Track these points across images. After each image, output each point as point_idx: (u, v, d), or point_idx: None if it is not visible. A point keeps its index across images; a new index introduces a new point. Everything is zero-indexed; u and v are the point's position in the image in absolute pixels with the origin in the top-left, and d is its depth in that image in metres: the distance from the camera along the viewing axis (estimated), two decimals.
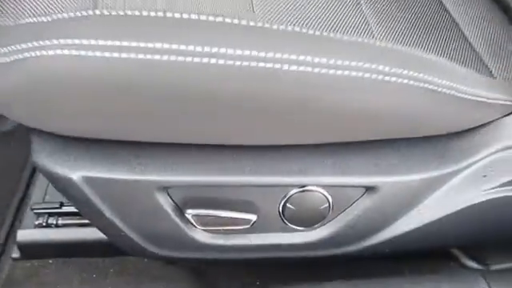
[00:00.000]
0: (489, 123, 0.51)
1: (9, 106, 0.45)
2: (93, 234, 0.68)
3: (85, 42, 0.37)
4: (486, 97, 0.48)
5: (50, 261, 0.72)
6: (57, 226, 0.71)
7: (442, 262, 0.71)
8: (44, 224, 0.71)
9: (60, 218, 0.72)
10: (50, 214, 0.73)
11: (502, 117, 0.51)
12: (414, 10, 0.55)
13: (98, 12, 0.39)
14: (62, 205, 0.73)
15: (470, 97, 0.46)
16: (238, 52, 0.37)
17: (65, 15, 0.39)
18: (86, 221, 0.69)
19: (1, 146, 0.93)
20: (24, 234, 0.70)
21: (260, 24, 0.40)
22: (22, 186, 0.84)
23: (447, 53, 0.51)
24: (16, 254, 0.71)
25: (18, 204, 0.81)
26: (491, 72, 0.52)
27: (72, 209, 0.71)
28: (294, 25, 0.44)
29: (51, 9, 0.44)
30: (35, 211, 0.73)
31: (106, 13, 0.39)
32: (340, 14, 0.49)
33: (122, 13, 0.39)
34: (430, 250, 0.63)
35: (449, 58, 0.51)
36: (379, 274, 0.60)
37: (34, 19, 0.40)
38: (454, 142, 0.51)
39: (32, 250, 0.71)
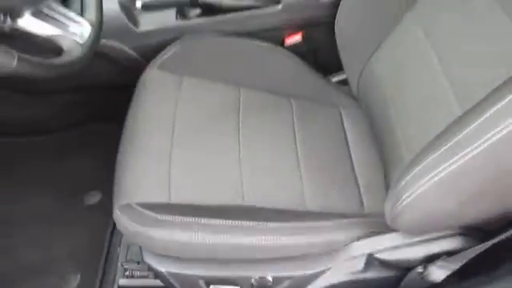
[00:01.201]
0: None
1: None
2: (155, 282, 1.30)
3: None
4: (338, 240, 1.07)
5: None
6: (138, 276, 1.34)
7: None
8: (130, 275, 1.35)
9: (138, 271, 1.36)
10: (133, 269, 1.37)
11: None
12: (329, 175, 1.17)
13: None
14: (138, 263, 1.35)
15: (326, 240, 1.08)
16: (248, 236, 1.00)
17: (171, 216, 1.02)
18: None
19: (88, 216, 1.51)
20: (121, 281, 1.33)
21: (250, 224, 1.02)
22: (106, 247, 1.45)
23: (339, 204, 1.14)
24: None
25: (105, 258, 1.42)
26: (364, 209, 1.12)
27: (145, 266, 1.34)
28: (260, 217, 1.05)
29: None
30: (124, 266, 1.36)
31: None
32: (285, 201, 1.11)
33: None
34: None
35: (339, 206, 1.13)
36: None
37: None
38: (325, 255, 1.11)
39: None
